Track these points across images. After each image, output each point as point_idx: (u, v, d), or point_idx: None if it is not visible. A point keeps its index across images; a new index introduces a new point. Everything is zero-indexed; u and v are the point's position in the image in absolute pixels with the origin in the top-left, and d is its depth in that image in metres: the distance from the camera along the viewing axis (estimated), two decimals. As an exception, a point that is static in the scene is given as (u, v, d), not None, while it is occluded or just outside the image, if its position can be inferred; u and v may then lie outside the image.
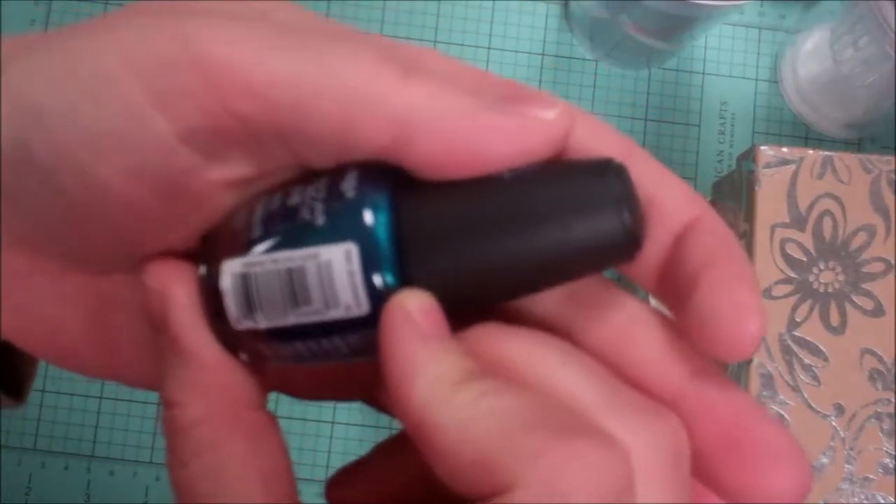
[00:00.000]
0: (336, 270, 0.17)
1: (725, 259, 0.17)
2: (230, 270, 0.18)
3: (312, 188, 0.17)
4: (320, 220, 0.17)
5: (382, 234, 0.17)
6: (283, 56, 0.16)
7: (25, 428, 0.51)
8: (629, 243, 0.17)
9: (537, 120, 0.18)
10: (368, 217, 0.17)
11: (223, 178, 0.17)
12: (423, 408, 0.16)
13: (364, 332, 0.17)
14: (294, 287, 0.17)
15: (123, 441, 0.51)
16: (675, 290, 0.18)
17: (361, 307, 0.17)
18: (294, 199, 0.18)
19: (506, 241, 0.17)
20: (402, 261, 0.17)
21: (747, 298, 0.16)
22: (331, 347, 0.18)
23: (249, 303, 0.18)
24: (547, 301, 0.19)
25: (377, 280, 0.17)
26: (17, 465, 0.51)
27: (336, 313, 0.17)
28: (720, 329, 0.16)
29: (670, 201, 0.18)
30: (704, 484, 0.17)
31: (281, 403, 0.52)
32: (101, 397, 0.51)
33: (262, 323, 0.18)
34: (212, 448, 0.18)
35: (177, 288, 0.18)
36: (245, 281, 0.18)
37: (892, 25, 0.45)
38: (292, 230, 0.17)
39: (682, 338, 0.18)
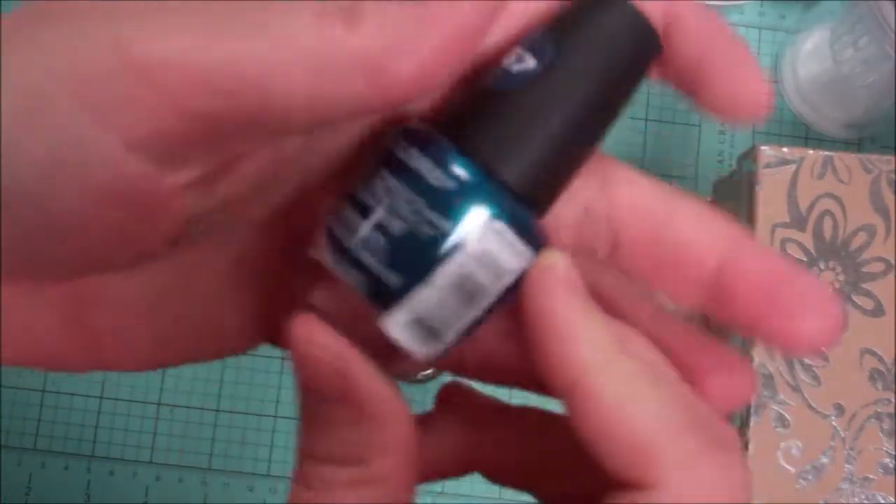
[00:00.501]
0: (493, 248, 0.17)
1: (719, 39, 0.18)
2: (396, 323, 0.17)
3: (387, 203, 0.16)
4: (441, 221, 0.16)
5: (488, 182, 0.17)
6: (228, 38, 0.15)
7: (25, 428, 0.51)
8: (654, 34, 0.17)
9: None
10: (468, 176, 0.16)
11: (185, 181, 0.16)
12: (582, 370, 0.17)
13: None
14: (467, 291, 0.17)
15: (123, 441, 0.51)
16: (685, 74, 0.19)
17: (526, 257, 0.17)
18: (395, 225, 0.16)
19: (564, 106, 0.17)
20: (513, 193, 0.17)
21: (747, 60, 0.18)
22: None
23: (433, 333, 0.17)
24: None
25: (522, 224, 0.17)
26: (17, 465, 0.51)
27: (507, 279, 0.17)
28: (734, 87, 0.18)
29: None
30: (745, 332, 0.20)
31: (281, 404, 0.52)
32: (101, 397, 0.51)
33: (450, 336, 0.17)
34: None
35: (348, 350, 0.18)
36: (420, 322, 0.17)
37: (892, 25, 0.45)
38: (427, 250, 0.16)
39: (714, 213, 0.20)
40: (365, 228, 0.17)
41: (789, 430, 0.40)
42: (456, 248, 0.16)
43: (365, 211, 0.17)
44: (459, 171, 0.16)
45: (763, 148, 0.42)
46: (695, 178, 0.55)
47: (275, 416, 0.52)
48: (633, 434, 0.17)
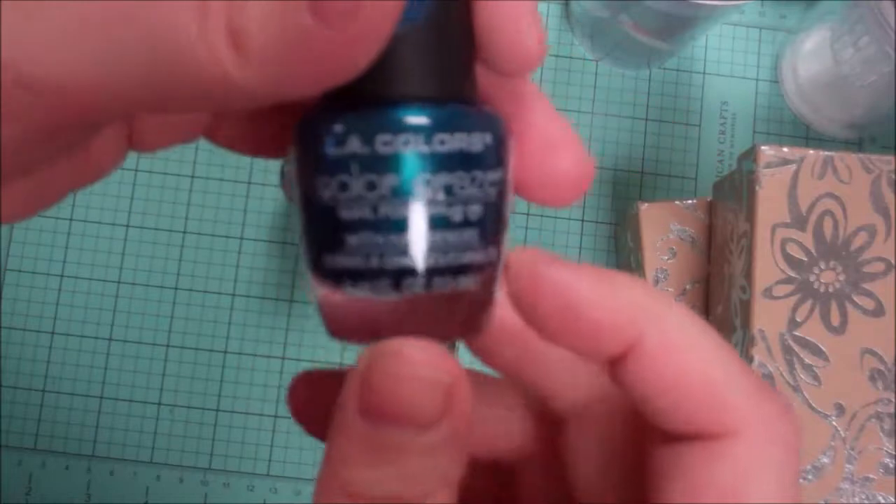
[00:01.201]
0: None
1: None
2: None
3: (366, 197, 0.16)
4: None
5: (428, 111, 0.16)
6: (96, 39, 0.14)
7: (25, 428, 0.51)
8: None
9: None
10: (420, 120, 0.16)
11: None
12: (644, 317, 0.17)
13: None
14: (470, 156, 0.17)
15: (123, 441, 0.51)
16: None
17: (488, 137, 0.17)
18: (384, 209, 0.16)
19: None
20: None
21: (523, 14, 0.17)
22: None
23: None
24: None
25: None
26: (17, 465, 0.51)
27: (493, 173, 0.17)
28: (501, 43, 0.17)
29: None
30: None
31: (281, 404, 0.52)
32: (101, 397, 0.51)
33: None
34: None
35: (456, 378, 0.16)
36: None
37: (893, 25, 0.45)
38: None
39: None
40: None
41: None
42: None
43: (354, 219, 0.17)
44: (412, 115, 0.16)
45: (763, 148, 0.42)
46: (695, 178, 0.55)
47: (275, 416, 0.52)
48: (700, 382, 0.17)
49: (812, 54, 0.55)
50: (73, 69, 0.15)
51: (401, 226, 0.16)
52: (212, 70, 0.14)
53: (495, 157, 0.17)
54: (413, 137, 0.16)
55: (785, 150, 0.42)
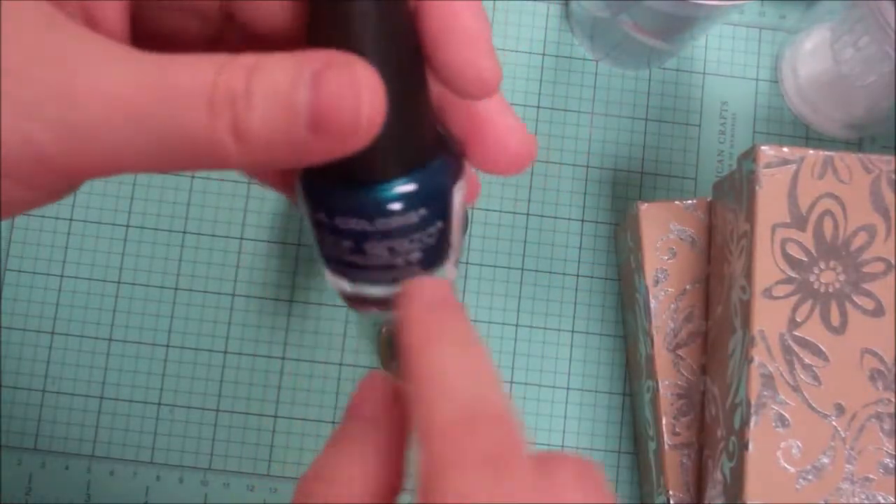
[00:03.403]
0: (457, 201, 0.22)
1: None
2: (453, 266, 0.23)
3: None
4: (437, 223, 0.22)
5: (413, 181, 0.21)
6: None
7: (25, 428, 0.51)
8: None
9: None
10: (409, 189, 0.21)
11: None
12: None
13: None
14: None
15: (123, 441, 0.51)
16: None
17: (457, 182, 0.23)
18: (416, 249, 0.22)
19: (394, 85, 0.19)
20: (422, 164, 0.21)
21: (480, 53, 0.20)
22: None
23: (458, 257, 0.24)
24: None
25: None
26: (17, 465, 0.51)
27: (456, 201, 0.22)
28: (461, 80, 0.20)
29: None
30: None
31: (281, 404, 0.52)
32: (101, 397, 0.51)
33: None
34: None
35: None
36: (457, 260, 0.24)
37: (893, 25, 0.45)
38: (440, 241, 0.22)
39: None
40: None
41: (789, 430, 0.40)
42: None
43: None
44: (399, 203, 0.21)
45: (763, 148, 0.42)
46: (695, 178, 0.55)
47: (275, 416, 0.52)
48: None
49: (812, 54, 0.55)
50: (94, 156, 0.17)
51: (360, 271, 0.22)
52: (214, 154, 0.17)
53: (433, 219, 0.21)
54: (359, 221, 0.20)
55: (785, 150, 0.42)
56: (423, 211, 0.20)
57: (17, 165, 0.17)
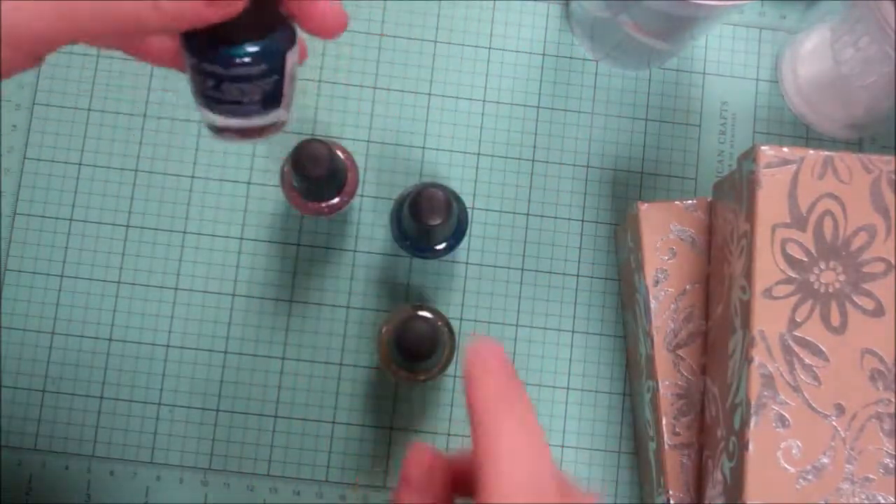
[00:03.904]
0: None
1: None
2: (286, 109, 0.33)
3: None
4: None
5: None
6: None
7: (25, 428, 0.51)
8: None
9: None
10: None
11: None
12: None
13: None
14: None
15: (123, 441, 0.51)
16: None
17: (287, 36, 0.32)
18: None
19: None
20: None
21: None
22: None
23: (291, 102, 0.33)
24: None
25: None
26: (17, 465, 0.51)
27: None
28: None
29: None
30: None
31: (281, 404, 0.52)
32: (101, 397, 0.51)
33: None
34: None
35: None
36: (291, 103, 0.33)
37: (893, 25, 0.45)
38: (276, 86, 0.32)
39: None
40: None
41: (789, 430, 0.40)
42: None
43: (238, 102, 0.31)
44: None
45: (763, 148, 0.42)
46: (695, 178, 0.55)
47: (275, 416, 0.52)
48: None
49: (812, 54, 0.55)
50: (45, 22, 0.27)
51: (218, 104, 0.31)
52: (140, 22, 0.27)
53: (271, 72, 0.30)
54: (219, 67, 0.29)
55: (785, 150, 0.42)
56: (263, 65, 0.30)
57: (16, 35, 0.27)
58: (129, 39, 0.31)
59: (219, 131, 0.32)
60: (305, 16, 0.31)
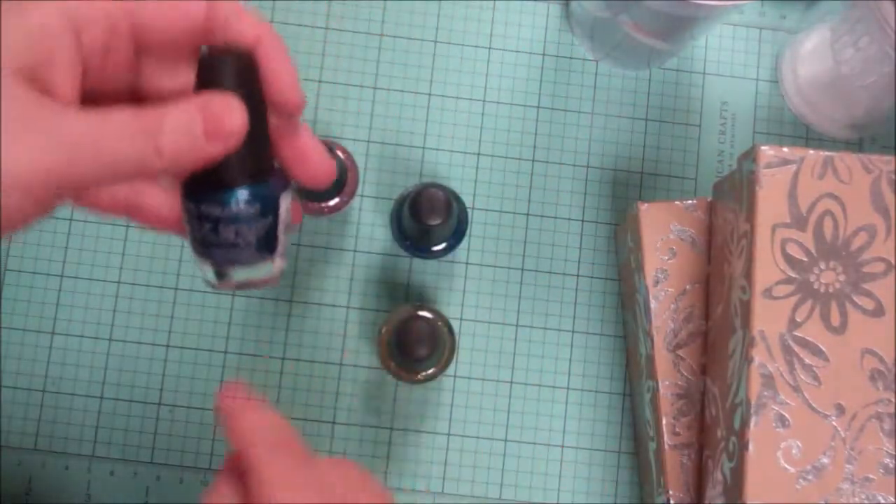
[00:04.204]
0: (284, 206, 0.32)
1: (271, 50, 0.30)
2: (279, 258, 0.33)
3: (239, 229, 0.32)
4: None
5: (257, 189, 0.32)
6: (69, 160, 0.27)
7: (25, 428, 0.51)
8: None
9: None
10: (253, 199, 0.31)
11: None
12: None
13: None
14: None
15: (123, 441, 0.51)
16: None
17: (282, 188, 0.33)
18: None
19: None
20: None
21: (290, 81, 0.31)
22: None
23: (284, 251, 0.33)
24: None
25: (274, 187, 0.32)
26: (17, 465, 0.51)
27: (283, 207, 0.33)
28: (284, 104, 0.31)
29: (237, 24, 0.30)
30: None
31: (282, 405, 0.52)
32: (101, 397, 0.51)
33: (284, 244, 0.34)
34: None
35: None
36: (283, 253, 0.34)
37: (893, 25, 0.45)
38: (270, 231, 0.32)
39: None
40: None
41: (789, 430, 0.40)
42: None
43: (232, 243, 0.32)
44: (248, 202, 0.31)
45: (763, 148, 0.42)
46: (695, 178, 0.55)
47: (275, 416, 0.52)
48: None
49: (812, 54, 0.55)
50: (51, 171, 0.27)
51: (216, 249, 0.32)
52: (145, 167, 0.28)
53: (265, 214, 0.31)
54: (217, 208, 0.30)
55: (785, 150, 0.42)
56: (258, 206, 0.31)
57: (27, 183, 0.27)
58: (135, 207, 0.32)
59: (216, 285, 0.33)
60: (297, 166, 0.33)
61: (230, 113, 0.28)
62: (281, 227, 0.32)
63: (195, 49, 0.30)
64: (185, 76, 0.31)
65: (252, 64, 0.30)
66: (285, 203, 0.32)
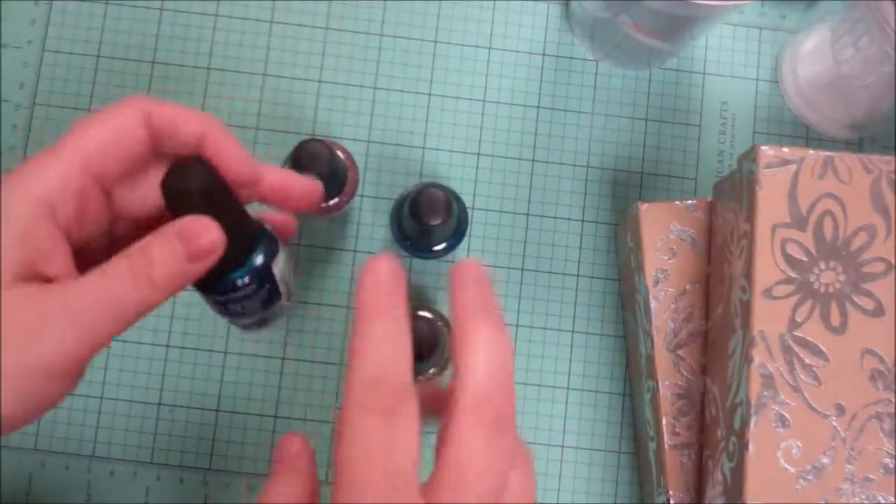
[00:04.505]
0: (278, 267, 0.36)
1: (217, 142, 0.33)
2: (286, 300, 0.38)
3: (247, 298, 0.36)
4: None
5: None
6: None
7: (25, 428, 0.51)
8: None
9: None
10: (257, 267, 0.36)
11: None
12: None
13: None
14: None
15: (123, 441, 0.51)
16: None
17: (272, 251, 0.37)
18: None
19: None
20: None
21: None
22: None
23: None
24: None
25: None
26: (17, 465, 0.51)
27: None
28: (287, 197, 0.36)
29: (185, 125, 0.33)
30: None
31: (281, 405, 0.52)
32: (101, 397, 0.51)
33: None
34: None
35: None
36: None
37: (893, 25, 0.45)
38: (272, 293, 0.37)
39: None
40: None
41: (789, 430, 0.40)
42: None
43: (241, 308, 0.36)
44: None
45: (763, 148, 0.42)
46: (695, 178, 0.55)
47: (275, 416, 0.52)
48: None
49: (812, 54, 0.55)
50: (81, 344, 0.30)
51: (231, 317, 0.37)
52: (144, 300, 0.31)
53: (263, 284, 0.35)
54: (220, 296, 0.35)
55: (785, 150, 0.42)
56: (254, 284, 0.35)
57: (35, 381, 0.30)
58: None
59: (243, 333, 0.41)
60: (284, 200, 0.36)
61: (205, 233, 0.31)
62: (280, 283, 0.36)
63: (149, 159, 0.33)
64: (146, 185, 0.34)
65: (207, 164, 0.32)
66: (279, 263, 0.35)
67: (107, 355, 0.52)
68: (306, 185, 0.36)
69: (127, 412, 0.52)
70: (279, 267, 0.36)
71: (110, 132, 0.32)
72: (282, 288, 0.36)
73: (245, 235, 0.34)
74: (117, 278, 0.30)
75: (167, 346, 0.52)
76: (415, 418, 0.28)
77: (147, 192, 0.34)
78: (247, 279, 0.34)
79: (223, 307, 0.36)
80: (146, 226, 0.34)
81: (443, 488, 0.27)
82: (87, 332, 0.30)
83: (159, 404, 0.52)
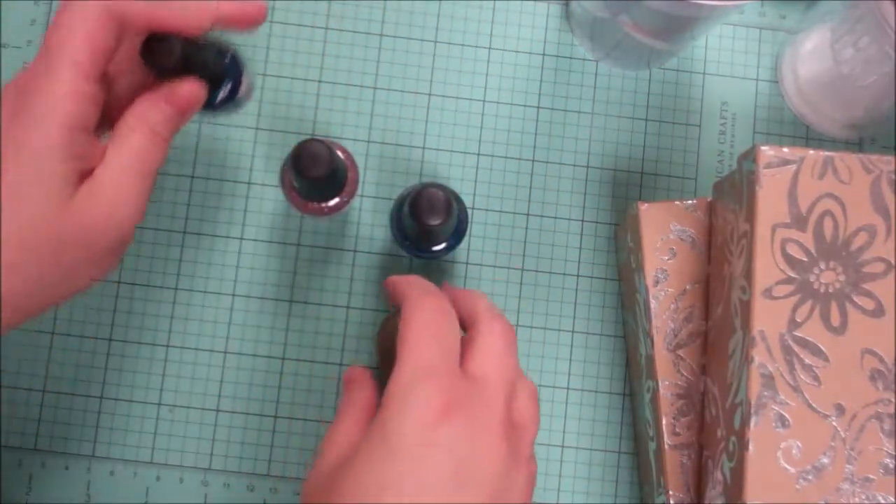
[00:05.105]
0: None
1: None
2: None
3: None
4: None
5: None
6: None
7: (25, 428, 0.51)
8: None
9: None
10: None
11: None
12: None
13: None
14: None
15: (123, 441, 0.51)
16: None
17: None
18: None
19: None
20: None
21: None
22: None
23: None
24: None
25: None
26: (17, 465, 0.51)
27: None
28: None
29: None
30: None
31: (281, 404, 0.52)
32: (101, 397, 0.51)
33: None
34: None
35: None
36: None
37: (893, 25, 0.45)
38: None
39: None
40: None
41: (789, 430, 0.40)
42: None
43: None
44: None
45: (763, 148, 0.42)
46: (695, 178, 0.55)
47: (275, 416, 0.52)
48: None
49: (812, 54, 0.55)
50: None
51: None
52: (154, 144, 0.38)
53: (232, 89, 0.43)
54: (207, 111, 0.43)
55: (785, 150, 0.42)
56: (229, 85, 0.43)
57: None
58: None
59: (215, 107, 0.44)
60: (238, 22, 0.39)
61: (187, 90, 0.39)
62: (243, 87, 0.43)
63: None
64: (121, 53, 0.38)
65: (169, 37, 0.37)
66: (247, 77, 0.44)
67: (107, 355, 0.52)
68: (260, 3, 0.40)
69: (127, 412, 0.52)
70: (247, 81, 0.44)
71: (92, 37, 0.35)
72: (243, 87, 0.44)
73: (218, 65, 0.42)
74: (134, 144, 0.37)
75: (167, 346, 0.52)
76: (455, 316, 0.38)
77: (123, 57, 0.39)
78: (227, 91, 0.43)
79: (213, 108, 0.43)
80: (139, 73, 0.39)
81: (475, 357, 0.37)
82: (137, 179, 0.36)
83: (159, 404, 0.52)
